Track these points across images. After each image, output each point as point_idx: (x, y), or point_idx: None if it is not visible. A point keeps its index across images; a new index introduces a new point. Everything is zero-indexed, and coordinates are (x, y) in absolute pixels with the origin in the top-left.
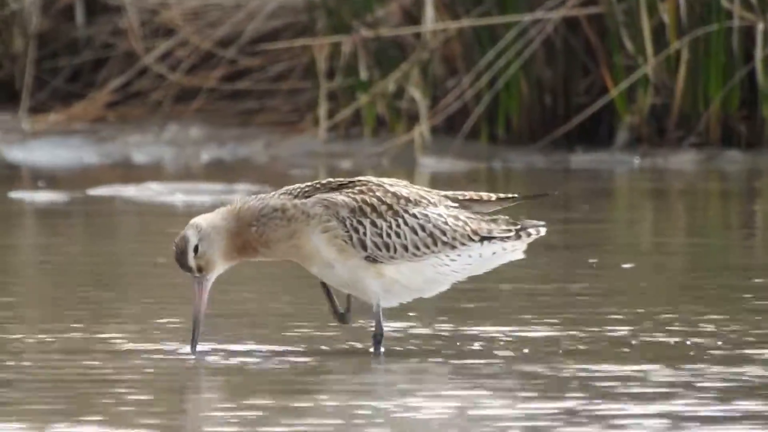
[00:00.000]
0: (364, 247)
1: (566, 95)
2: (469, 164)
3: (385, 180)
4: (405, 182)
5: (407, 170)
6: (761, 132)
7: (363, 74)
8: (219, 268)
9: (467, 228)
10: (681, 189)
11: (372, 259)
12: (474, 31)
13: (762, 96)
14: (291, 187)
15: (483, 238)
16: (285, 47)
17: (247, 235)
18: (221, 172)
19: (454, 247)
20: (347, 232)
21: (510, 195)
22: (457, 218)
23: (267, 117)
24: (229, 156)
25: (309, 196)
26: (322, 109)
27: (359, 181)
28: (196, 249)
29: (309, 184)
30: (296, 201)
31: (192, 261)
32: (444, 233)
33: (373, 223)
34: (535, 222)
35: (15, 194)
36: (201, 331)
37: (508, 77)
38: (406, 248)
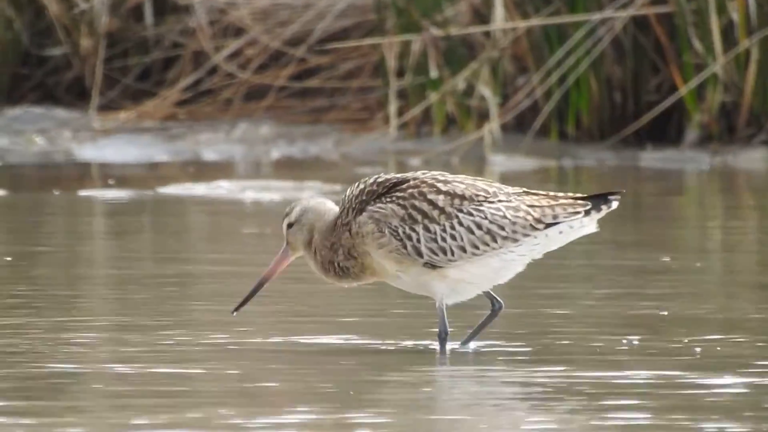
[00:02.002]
0: (420, 254)
1: (636, 93)
2: (538, 162)
3: (441, 177)
4: (463, 176)
5: (477, 168)
6: None
7: (433, 72)
8: (301, 253)
9: (529, 218)
10: (751, 187)
11: (431, 265)
12: (543, 29)
13: None
14: (347, 193)
15: (548, 225)
16: (354, 46)
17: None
18: (291, 169)
19: (516, 240)
20: (400, 240)
21: (580, 195)
22: (517, 209)
23: (337, 115)
24: (300, 153)
25: (362, 207)
26: (392, 107)
27: (414, 179)
28: (289, 226)
29: (361, 188)
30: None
31: (284, 230)
32: (502, 228)
33: (426, 228)
34: (608, 193)
35: (85, 192)
36: (252, 297)
37: (577, 75)
38: (464, 249)
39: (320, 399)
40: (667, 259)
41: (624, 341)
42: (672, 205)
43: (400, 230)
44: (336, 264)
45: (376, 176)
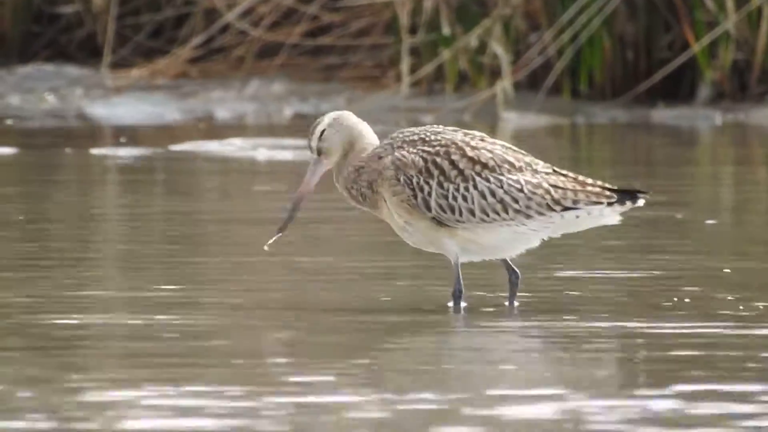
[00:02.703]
0: (429, 208)
1: (648, 51)
2: (551, 119)
3: (472, 142)
4: (496, 144)
5: (489, 125)
6: None
7: (445, 30)
8: (336, 160)
9: (547, 197)
10: (763, 143)
11: (439, 222)
12: None
13: None
14: (397, 132)
15: (566, 208)
16: (367, 2)
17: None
18: (304, 127)
19: (528, 216)
20: (412, 190)
21: (610, 187)
22: (538, 186)
23: (349, 72)
24: (312, 111)
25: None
26: (405, 65)
27: (444, 139)
28: (321, 133)
29: (414, 132)
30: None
31: (316, 139)
32: (516, 201)
33: (440, 185)
34: (638, 190)
35: (97, 150)
36: (292, 221)
37: (590, 33)
38: (473, 213)
39: (335, 354)
40: (679, 215)
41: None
42: (684, 162)
43: (414, 180)
44: (357, 188)
45: (427, 127)
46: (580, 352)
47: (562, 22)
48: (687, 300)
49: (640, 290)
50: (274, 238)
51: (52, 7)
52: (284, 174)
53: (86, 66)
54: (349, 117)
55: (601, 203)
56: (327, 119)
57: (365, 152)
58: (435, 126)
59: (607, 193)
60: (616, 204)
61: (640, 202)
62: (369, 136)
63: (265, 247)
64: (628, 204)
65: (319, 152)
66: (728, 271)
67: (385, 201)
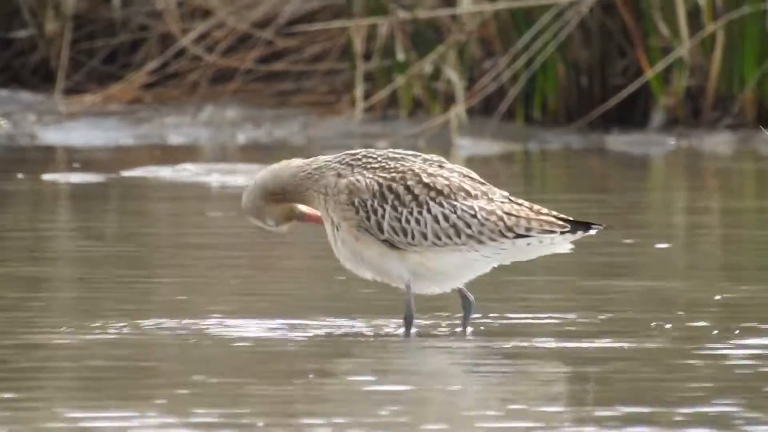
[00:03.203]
0: (381, 230)
1: (602, 77)
2: (505, 145)
3: (429, 168)
4: (453, 171)
5: (443, 151)
6: None
7: (400, 55)
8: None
9: (500, 224)
10: (716, 170)
11: (391, 245)
12: (510, 12)
13: None
14: (350, 153)
15: (518, 235)
16: (322, 28)
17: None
18: (258, 153)
19: (480, 241)
20: (366, 212)
21: (564, 217)
22: (491, 213)
23: (304, 98)
24: (266, 137)
25: (349, 171)
26: (359, 91)
27: (402, 166)
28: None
29: (364, 155)
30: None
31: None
32: (469, 226)
33: (394, 208)
34: (590, 223)
35: (50, 176)
36: None
37: (544, 58)
38: (425, 236)
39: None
40: (629, 240)
41: (577, 316)
42: (637, 187)
43: (368, 203)
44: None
45: (387, 151)
46: (525, 375)
47: (517, 48)
48: (631, 320)
49: (590, 313)
50: None
51: (6, 32)
52: (237, 200)
53: (40, 91)
54: (252, 186)
55: (553, 232)
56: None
57: (298, 171)
58: (395, 150)
59: (560, 222)
60: (568, 233)
61: (592, 231)
62: (283, 170)
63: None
64: (580, 233)
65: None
66: (676, 290)
67: (333, 223)
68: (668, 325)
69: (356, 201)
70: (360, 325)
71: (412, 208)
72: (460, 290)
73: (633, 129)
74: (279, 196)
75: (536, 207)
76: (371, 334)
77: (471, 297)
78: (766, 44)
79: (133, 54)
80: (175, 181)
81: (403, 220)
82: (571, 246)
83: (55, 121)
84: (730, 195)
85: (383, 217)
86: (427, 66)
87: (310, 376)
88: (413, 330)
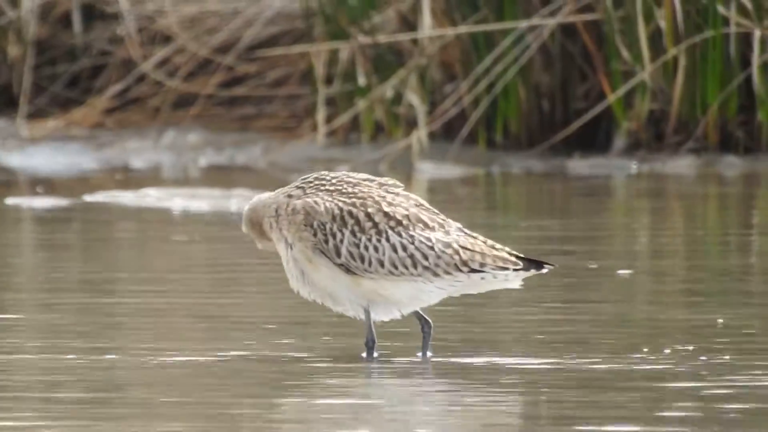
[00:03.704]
0: (338, 254)
1: (564, 101)
2: (467, 169)
3: (389, 198)
4: (414, 201)
5: (405, 175)
6: (759, 137)
7: (361, 80)
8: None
9: (456, 257)
10: (679, 194)
11: (347, 270)
12: (471, 37)
13: (759, 101)
14: (307, 179)
15: (473, 270)
16: (283, 53)
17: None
18: (220, 177)
19: (436, 274)
20: (324, 236)
21: (516, 254)
22: (448, 246)
23: (265, 123)
24: (228, 161)
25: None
26: (321, 115)
27: (361, 192)
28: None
29: (328, 179)
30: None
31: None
32: (426, 258)
33: (353, 233)
34: (542, 261)
35: (13, 200)
36: None
37: (505, 83)
38: (382, 264)
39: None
40: (594, 265)
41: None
42: (599, 212)
43: (327, 227)
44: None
45: (342, 175)
46: (488, 397)
47: (478, 73)
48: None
49: (553, 336)
50: None
51: None
52: (199, 224)
53: (2, 116)
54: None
55: (507, 269)
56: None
57: (258, 204)
58: (349, 174)
59: (514, 259)
60: (521, 270)
61: (544, 271)
62: (261, 203)
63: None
64: (533, 271)
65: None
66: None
67: (287, 244)
68: (630, 350)
69: (315, 223)
70: (321, 348)
71: (371, 236)
72: (418, 314)
73: (595, 153)
74: (257, 227)
75: (490, 242)
76: (333, 357)
77: (430, 321)
78: (728, 68)
79: (94, 79)
80: (137, 205)
81: (362, 246)
82: (522, 283)
83: (17, 146)
84: (692, 219)
85: (341, 241)
86: (388, 90)
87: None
88: (375, 354)
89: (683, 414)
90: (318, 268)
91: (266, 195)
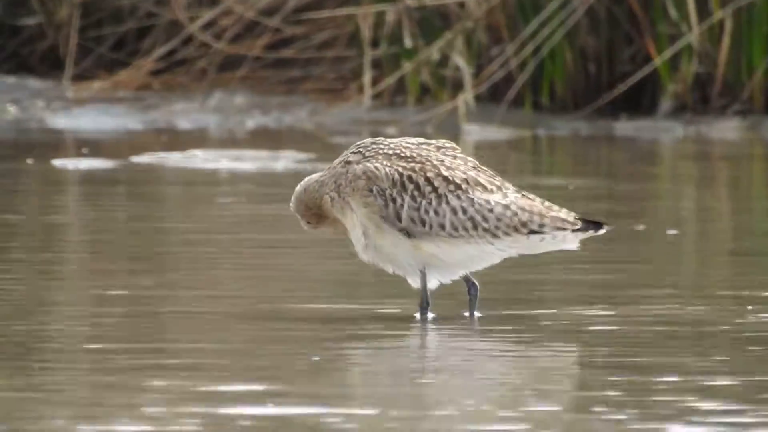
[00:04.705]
0: (399, 219)
1: (610, 63)
2: (513, 132)
3: (448, 160)
4: (472, 163)
5: (451, 138)
6: None
7: (407, 42)
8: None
9: (515, 219)
10: (725, 156)
11: (407, 234)
12: (518, 0)
13: None
14: (367, 143)
15: (532, 231)
16: (329, 16)
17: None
18: (266, 139)
19: (495, 236)
20: (384, 201)
21: (575, 214)
22: (507, 207)
23: (311, 85)
24: (274, 123)
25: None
26: (367, 77)
27: (420, 156)
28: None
29: (376, 143)
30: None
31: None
32: (486, 220)
33: (413, 198)
34: (601, 221)
35: (59, 162)
36: None
37: (552, 46)
38: (443, 227)
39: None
40: (641, 227)
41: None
42: (646, 174)
43: (387, 192)
44: (326, 194)
45: (400, 140)
46: (537, 363)
47: (524, 36)
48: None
49: (599, 300)
50: None
51: (14, 19)
52: (245, 186)
53: (48, 78)
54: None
55: (565, 229)
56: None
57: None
58: (408, 138)
59: (572, 220)
60: (579, 231)
61: (602, 231)
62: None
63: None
64: (591, 232)
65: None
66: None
67: (353, 210)
68: (680, 305)
69: (374, 189)
70: (372, 310)
71: (431, 199)
72: (465, 276)
73: (641, 116)
74: (312, 209)
75: (548, 203)
76: (386, 318)
77: (477, 283)
78: None
79: (140, 41)
80: (183, 167)
81: (422, 210)
82: (579, 244)
83: (63, 108)
84: (738, 182)
85: (402, 206)
86: (434, 53)
87: (316, 359)
88: (430, 315)
89: (725, 358)
90: (382, 234)
91: (316, 175)
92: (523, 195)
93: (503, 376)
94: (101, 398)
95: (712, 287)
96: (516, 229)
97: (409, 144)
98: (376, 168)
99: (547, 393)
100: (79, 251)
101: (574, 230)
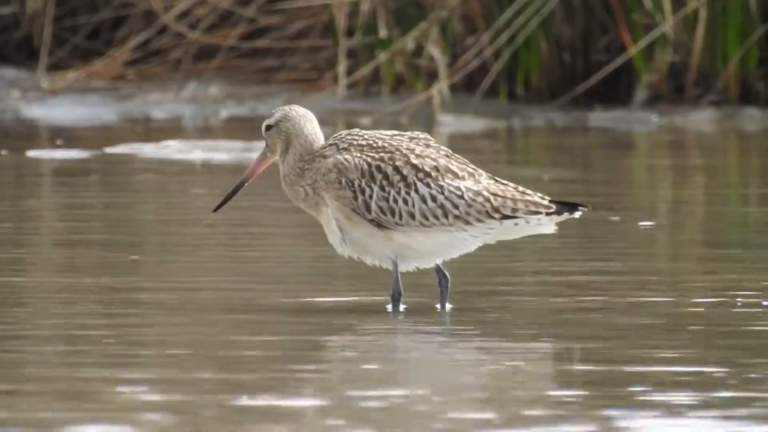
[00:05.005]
0: (368, 210)
1: (585, 53)
2: (488, 122)
3: (417, 150)
4: (444, 152)
5: (426, 128)
6: None
7: (382, 32)
8: (277, 157)
9: (487, 205)
10: (699, 146)
11: (378, 225)
12: None
13: None
14: (343, 134)
15: (505, 216)
16: (304, 5)
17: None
18: (240, 129)
19: (468, 222)
20: (353, 193)
21: (549, 198)
22: (478, 194)
23: (286, 75)
24: (249, 113)
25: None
26: (342, 67)
27: (390, 146)
28: (267, 128)
29: (354, 133)
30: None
31: (263, 131)
32: (456, 207)
33: (381, 188)
34: (576, 203)
35: (34, 152)
36: (232, 196)
37: (527, 35)
38: (412, 216)
39: (267, 357)
40: (616, 218)
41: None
42: (620, 164)
43: (356, 183)
44: (301, 187)
45: (375, 132)
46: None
47: (499, 25)
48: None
49: (570, 293)
50: (217, 208)
51: None
52: (220, 176)
53: (23, 68)
54: (295, 114)
55: (539, 213)
56: (275, 118)
57: (306, 149)
58: (383, 131)
59: (546, 203)
60: (553, 214)
61: (577, 214)
62: (310, 135)
63: (215, 211)
64: (566, 215)
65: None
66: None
67: (327, 205)
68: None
69: (343, 180)
70: (347, 301)
71: (400, 189)
72: (437, 268)
73: (616, 105)
74: None
75: (521, 188)
76: (358, 309)
77: (448, 275)
78: (748, 20)
79: (115, 31)
80: (158, 157)
81: (391, 200)
82: (556, 227)
83: (38, 98)
84: (712, 171)
85: (371, 196)
86: (409, 42)
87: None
88: (401, 307)
89: (697, 350)
90: (356, 226)
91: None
92: (496, 181)
93: (473, 369)
94: (72, 391)
95: (685, 278)
96: (488, 215)
97: (383, 135)
98: (345, 160)
99: (518, 385)
100: (53, 242)
101: (548, 213)
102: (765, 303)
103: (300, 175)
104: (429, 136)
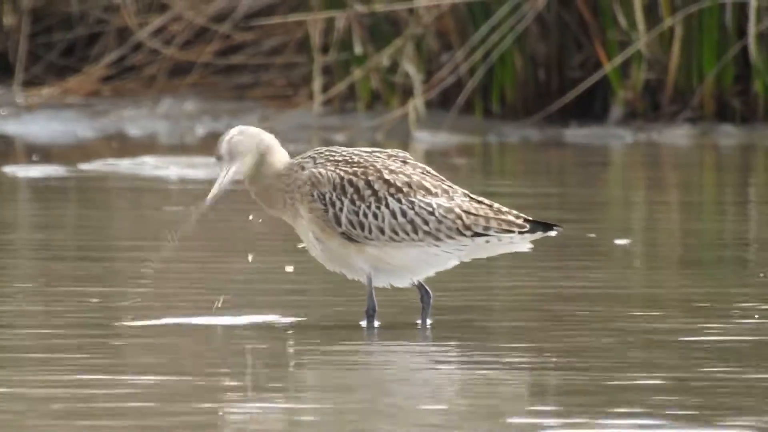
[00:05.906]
0: (339, 223)
1: (560, 70)
2: (463, 138)
3: (392, 167)
4: (421, 169)
5: (402, 144)
6: (755, 107)
7: (357, 49)
8: (248, 167)
9: (458, 222)
10: (675, 163)
11: (349, 238)
12: (467, 6)
13: (755, 71)
14: (320, 151)
15: (476, 234)
16: (279, 22)
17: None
18: (216, 145)
19: (438, 239)
20: (324, 205)
21: (524, 217)
22: (450, 210)
23: (262, 91)
24: (224, 130)
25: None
26: (317, 84)
27: (366, 162)
28: (231, 138)
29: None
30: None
31: (224, 145)
32: (426, 223)
33: (352, 201)
34: (551, 223)
35: (9, 168)
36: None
37: (501, 52)
38: (382, 231)
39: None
40: (592, 235)
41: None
42: (596, 181)
43: (327, 196)
44: (280, 195)
45: (353, 149)
46: (484, 375)
47: (474, 41)
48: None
49: (549, 309)
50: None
51: None
52: (196, 193)
53: None
54: (256, 130)
55: (512, 231)
56: (236, 129)
57: (278, 165)
58: (362, 149)
59: (520, 222)
60: (527, 233)
61: (552, 233)
62: (279, 150)
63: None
64: (539, 233)
65: (231, 157)
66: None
67: (302, 216)
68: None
69: (315, 193)
70: (318, 317)
71: (370, 203)
72: (419, 284)
73: (591, 122)
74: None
75: (497, 206)
76: (332, 325)
77: (430, 292)
78: (724, 37)
79: (90, 47)
80: (133, 173)
81: (361, 214)
82: (531, 245)
83: (13, 114)
84: (689, 189)
85: (341, 210)
86: (384, 59)
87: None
88: (376, 323)
89: (674, 371)
90: (330, 238)
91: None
92: (471, 198)
93: (450, 385)
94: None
95: (660, 294)
96: (459, 232)
97: (360, 152)
98: (319, 173)
99: (496, 403)
100: (27, 258)
101: (521, 232)
102: (738, 319)
103: (277, 184)
104: (408, 155)
